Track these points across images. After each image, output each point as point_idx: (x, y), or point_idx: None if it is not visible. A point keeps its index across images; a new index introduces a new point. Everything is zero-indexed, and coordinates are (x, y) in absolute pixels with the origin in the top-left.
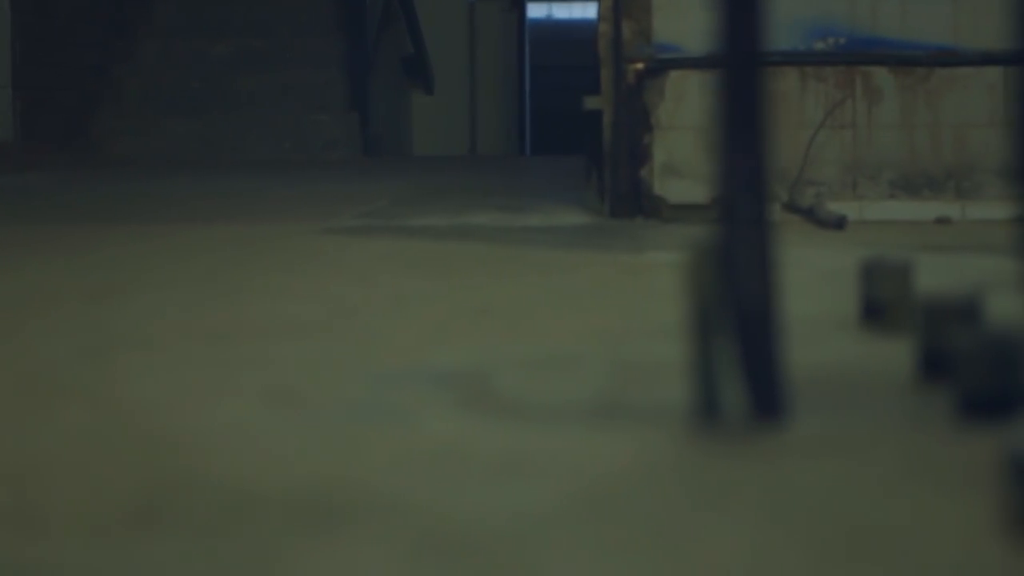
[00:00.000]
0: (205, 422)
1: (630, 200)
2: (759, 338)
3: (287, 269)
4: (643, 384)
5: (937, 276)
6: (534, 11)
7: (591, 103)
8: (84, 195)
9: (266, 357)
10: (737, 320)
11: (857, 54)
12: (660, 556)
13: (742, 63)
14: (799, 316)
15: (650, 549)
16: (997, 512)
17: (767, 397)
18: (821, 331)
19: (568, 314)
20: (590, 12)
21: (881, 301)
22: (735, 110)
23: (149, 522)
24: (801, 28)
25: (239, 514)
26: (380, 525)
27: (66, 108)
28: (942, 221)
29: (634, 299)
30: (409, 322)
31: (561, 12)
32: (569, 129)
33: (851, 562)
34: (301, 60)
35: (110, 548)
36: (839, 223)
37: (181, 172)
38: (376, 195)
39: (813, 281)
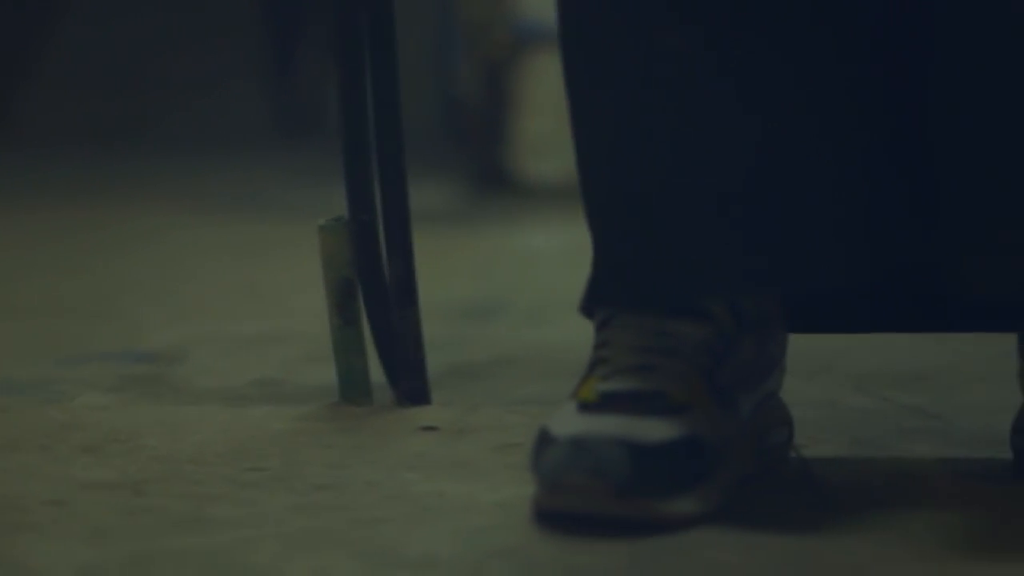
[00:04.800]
0: None
1: (493, 179)
2: (397, 318)
3: (105, 250)
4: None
5: None
6: None
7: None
8: None
9: None
10: (373, 300)
11: None
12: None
13: (377, 56)
14: (547, 300)
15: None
16: None
17: (405, 379)
18: (550, 313)
19: None
20: None
21: None
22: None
23: None
24: None
25: None
26: None
27: None
28: None
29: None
30: (168, 301)
31: None
32: None
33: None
34: (228, 35)
35: None
36: None
37: (87, 152)
38: (269, 170)
39: None
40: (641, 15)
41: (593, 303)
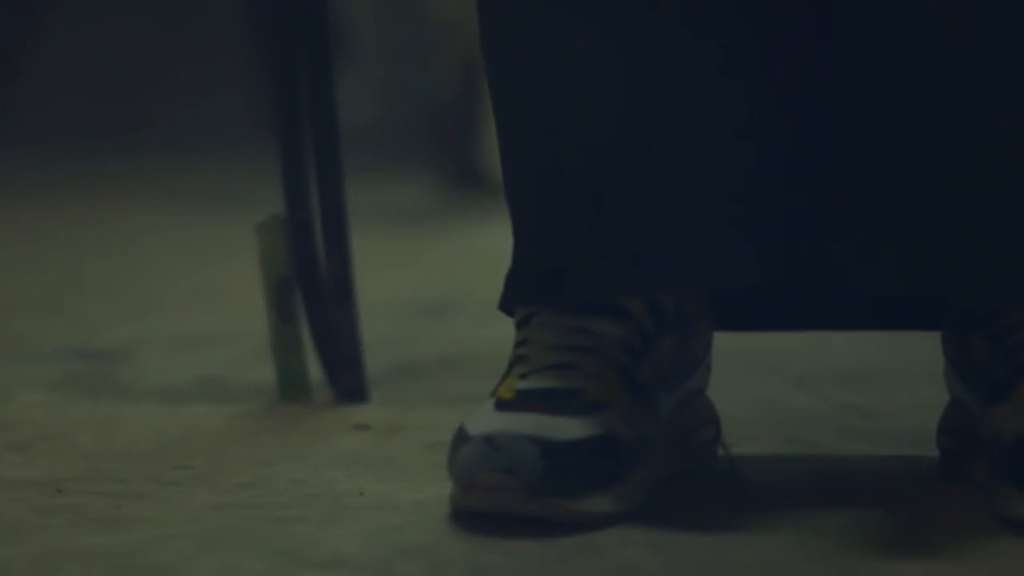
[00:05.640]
0: None
1: (467, 177)
2: (334, 316)
3: (82, 249)
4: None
5: None
6: None
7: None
8: None
9: None
10: (311, 296)
11: None
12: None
13: (313, 55)
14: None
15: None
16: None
17: (342, 376)
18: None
19: None
20: None
21: None
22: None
23: None
24: None
25: None
26: None
27: None
28: None
29: (373, 278)
30: (126, 299)
31: None
32: None
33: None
34: (219, 34)
35: None
36: None
37: (77, 151)
38: (259, 169)
39: None
40: (554, 10)
41: (511, 301)
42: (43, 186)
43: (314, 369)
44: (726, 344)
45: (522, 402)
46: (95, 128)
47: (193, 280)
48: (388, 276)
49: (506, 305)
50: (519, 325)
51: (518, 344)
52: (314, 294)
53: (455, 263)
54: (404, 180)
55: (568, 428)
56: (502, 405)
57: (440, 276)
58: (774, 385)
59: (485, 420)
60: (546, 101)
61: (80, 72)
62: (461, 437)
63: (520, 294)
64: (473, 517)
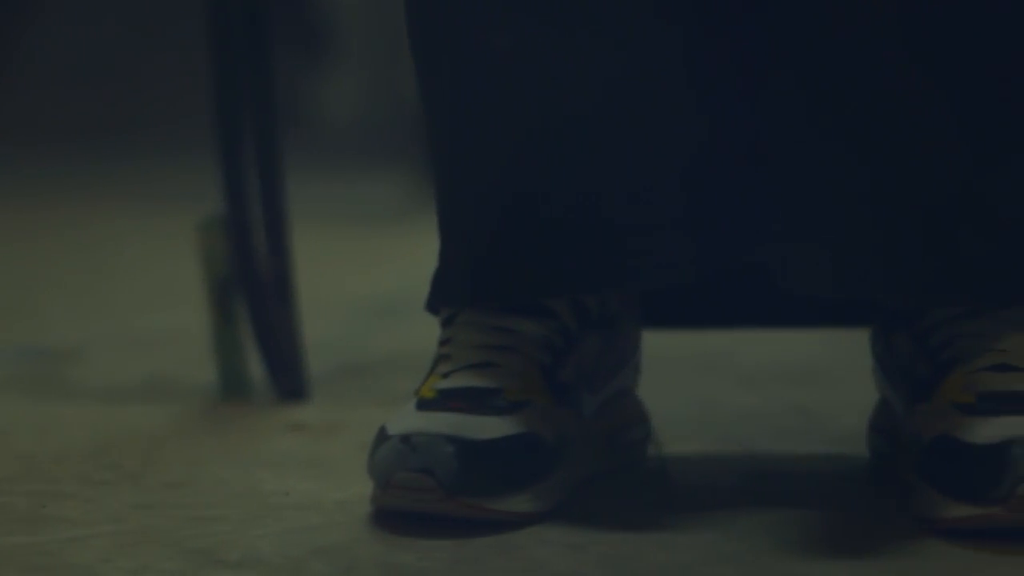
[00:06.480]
0: None
1: None
2: (272, 314)
3: (61, 252)
4: None
5: None
6: None
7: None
8: None
9: None
10: (251, 297)
11: None
12: None
13: (253, 54)
14: None
15: None
16: None
17: (282, 376)
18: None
19: None
20: None
21: None
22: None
23: None
24: None
25: None
26: None
27: None
28: None
29: (335, 277)
30: (86, 299)
31: None
32: None
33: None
34: (195, 36)
35: None
36: None
37: (72, 151)
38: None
39: None
40: (477, 12)
41: (437, 301)
42: (34, 187)
43: (257, 369)
44: (671, 342)
45: (443, 401)
46: (87, 129)
47: (158, 279)
48: (352, 275)
49: (432, 305)
50: (443, 324)
51: (442, 343)
52: (255, 294)
53: (418, 263)
54: (382, 179)
55: (487, 427)
56: (423, 404)
57: (402, 275)
58: (717, 383)
59: (405, 420)
60: (469, 102)
61: (73, 72)
62: (381, 437)
63: (446, 294)
64: (393, 517)
